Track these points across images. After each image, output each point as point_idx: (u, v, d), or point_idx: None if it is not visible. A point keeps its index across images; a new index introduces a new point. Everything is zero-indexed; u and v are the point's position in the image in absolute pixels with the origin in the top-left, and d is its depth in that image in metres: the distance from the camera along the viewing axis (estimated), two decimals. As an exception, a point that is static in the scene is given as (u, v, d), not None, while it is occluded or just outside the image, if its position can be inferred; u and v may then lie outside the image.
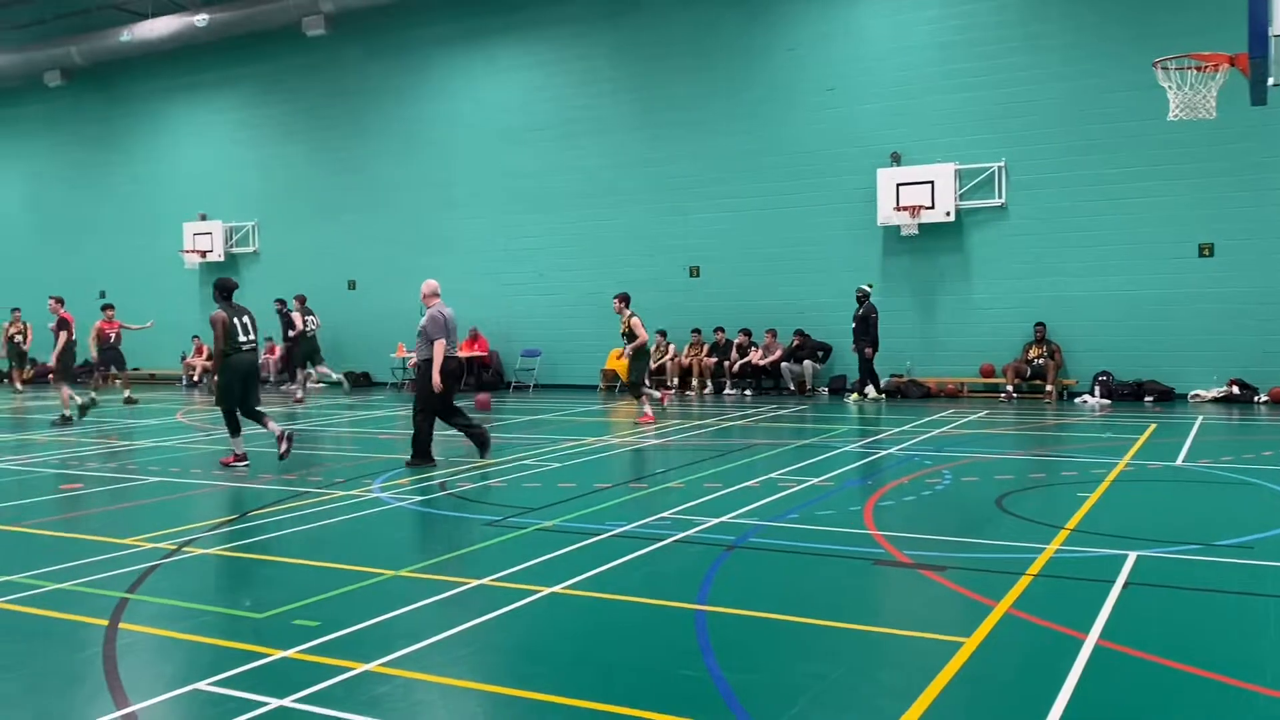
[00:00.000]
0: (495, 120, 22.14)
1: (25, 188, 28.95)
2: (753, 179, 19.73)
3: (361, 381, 23.31)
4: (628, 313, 14.80)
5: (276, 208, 24.81)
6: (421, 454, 10.70)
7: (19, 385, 22.25)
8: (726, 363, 19.51)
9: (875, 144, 18.61)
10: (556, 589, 5.82)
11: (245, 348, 10.91)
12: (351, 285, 23.93)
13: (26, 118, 28.65)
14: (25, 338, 22.13)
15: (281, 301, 22.58)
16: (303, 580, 6.33)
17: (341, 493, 9.22)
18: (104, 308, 19.18)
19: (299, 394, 19.56)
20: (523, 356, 21.78)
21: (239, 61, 24.90)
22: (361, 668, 4.58)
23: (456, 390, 11.09)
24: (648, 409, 14.87)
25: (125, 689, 4.42)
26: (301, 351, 20.19)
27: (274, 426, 10.84)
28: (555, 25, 21.57)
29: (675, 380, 19.95)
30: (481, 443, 10.96)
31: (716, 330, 19.88)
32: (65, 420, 15.67)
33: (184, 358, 24.99)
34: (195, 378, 24.16)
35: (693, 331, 20.06)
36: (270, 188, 24.89)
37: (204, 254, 25.08)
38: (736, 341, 19.63)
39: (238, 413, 10.94)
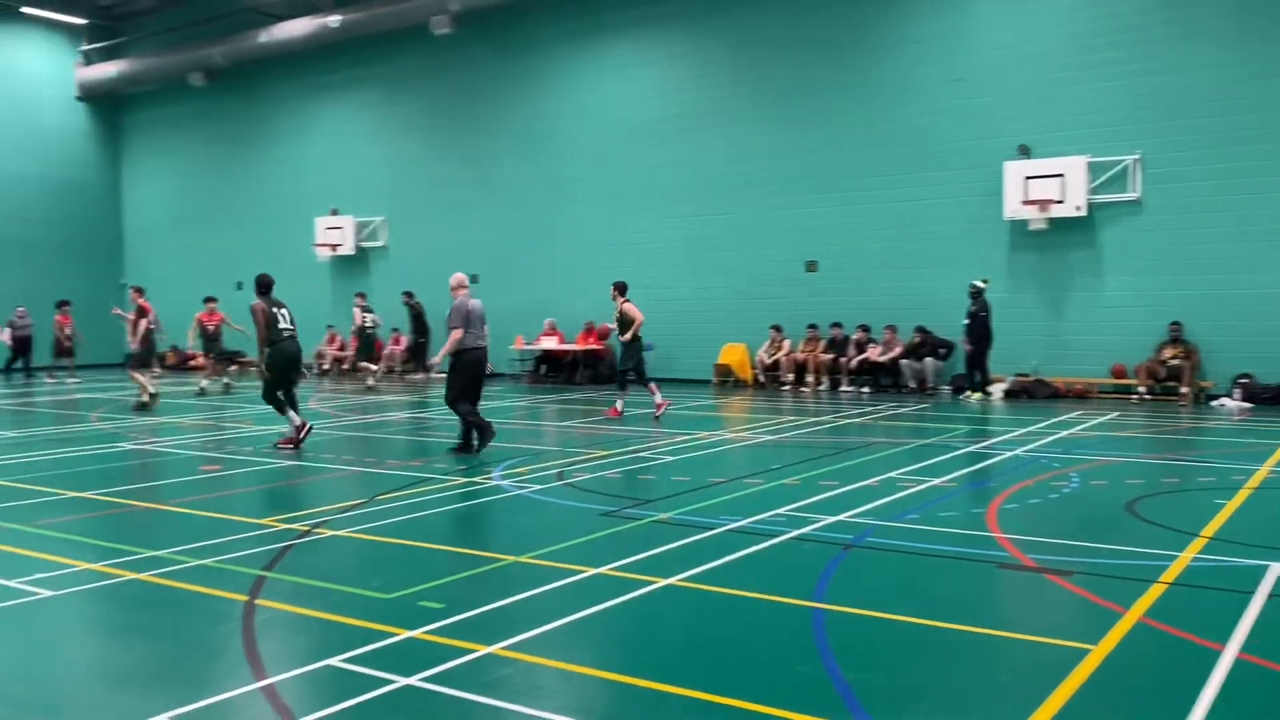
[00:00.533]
0: (615, 115, 22.32)
1: (170, 183, 30.50)
2: (874, 172, 19.39)
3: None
4: (620, 300, 14.86)
5: (404, 203, 25.54)
6: (485, 433, 10.94)
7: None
8: (843, 359, 19.25)
9: (1003, 136, 18.07)
10: (673, 581, 5.87)
11: (286, 335, 11.70)
12: (474, 279, 24.41)
13: (173, 117, 30.17)
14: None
15: (409, 294, 23.31)
16: (427, 563, 6.53)
17: (463, 479, 9.46)
18: (206, 300, 20.08)
19: (370, 381, 20.58)
20: (638, 350, 21.89)
21: (369, 61, 25.70)
22: (484, 650, 4.70)
23: (482, 378, 11.27)
24: (619, 404, 14.93)
25: (263, 662, 4.65)
26: (361, 345, 21.37)
27: (295, 417, 11.58)
28: (675, 19, 21.62)
29: (790, 376, 19.79)
30: (483, 436, 10.95)
31: (833, 326, 19.64)
32: (144, 406, 16.38)
33: (330, 346, 25.91)
34: (325, 366, 25.06)
35: (809, 327, 19.85)
36: (398, 183, 25.64)
37: (335, 248, 25.97)
38: (854, 337, 19.35)
39: (281, 394, 11.79)
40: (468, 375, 11.01)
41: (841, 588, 5.78)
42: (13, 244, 28.40)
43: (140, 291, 17.76)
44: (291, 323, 11.86)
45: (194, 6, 28.00)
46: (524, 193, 23.59)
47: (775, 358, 20.05)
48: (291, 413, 11.71)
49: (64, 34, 29.92)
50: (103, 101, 30.67)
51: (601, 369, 22.00)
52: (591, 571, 6.08)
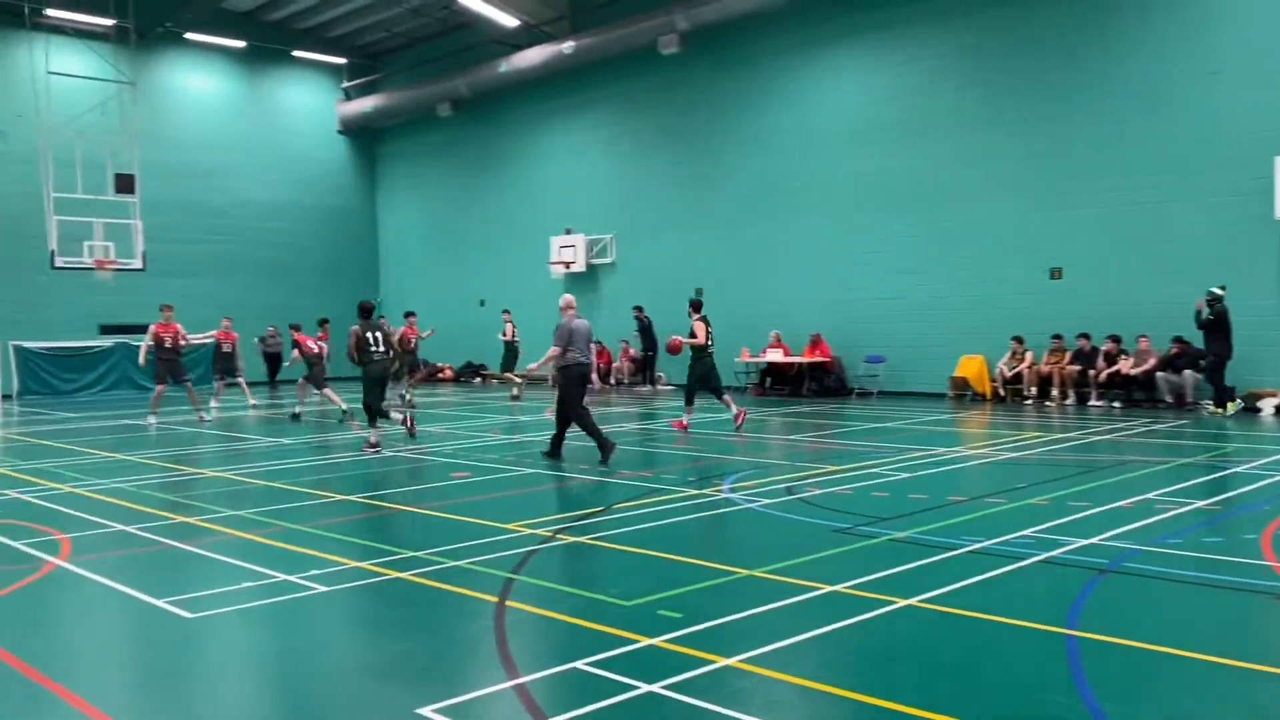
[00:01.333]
0: (841, 125, 22.03)
1: (420, 207, 32.64)
2: (1123, 172, 18.19)
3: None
4: (694, 318, 15.13)
5: (632, 219, 26.19)
6: (604, 448, 11.62)
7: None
8: (1091, 371, 18.14)
9: (1272, 129, 16.54)
10: (912, 601, 5.72)
11: (376, 357, 13.22)
12: (698, 293, 24.70)
13: (422, 147, 32.29)
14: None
15: (639, 308, 23.90)
16: (663, 572, 6.66)
17: (694, 491, 9.59)
18: (406, 314, 21.11)
19: (515, 392, 21.86)
20: (866, 363, 21.48)
21: (599, 83, 26.57)
22: (723, 661, 4.75)
23: (584, 394, 12.14)
24: (685, 418, 15.22)
25: (515, 661, 4.89)
26: (506, 357, 22.56)
27: (374, 434, 13.11)
28: (899, 26, 21.08)
29: (1034, 389, 18.84)
30: (603, 450, 11.64)
31: (1080, 336, 18.54)
32: (349, 416, 17.57)
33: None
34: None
35: (1053, 338, 18.82)
36: (627, 201, 26.33)
37: (568, 265, 26.96)
38: (1104, 349, 18.19)
39: (381, 406, 13.50)
40: (573, 386, 11.94)
41: (1097, 614, 5.46)
42: (278, 267, 31.09)
43: (296, 328, 19.19)
44: (382, 345, 13.28)
45: (441, 42, 29.92)
46: (749, 205, 23.67)
47: (1016, 370, 19.15)
48: (378, 424, 13.35)
49: (327, 73, 32.64)
50: (360, 134, 33.21)
51: (828, 381, 21.74)
52: (827, 589, 6.02)
